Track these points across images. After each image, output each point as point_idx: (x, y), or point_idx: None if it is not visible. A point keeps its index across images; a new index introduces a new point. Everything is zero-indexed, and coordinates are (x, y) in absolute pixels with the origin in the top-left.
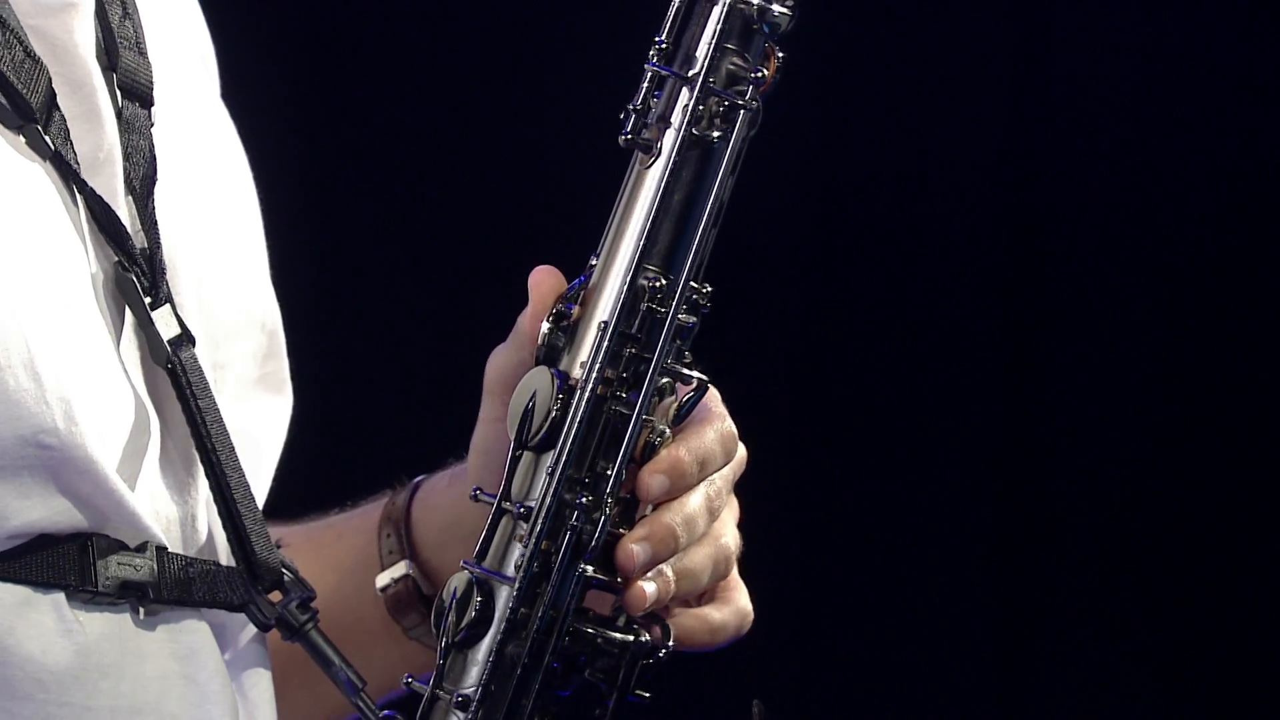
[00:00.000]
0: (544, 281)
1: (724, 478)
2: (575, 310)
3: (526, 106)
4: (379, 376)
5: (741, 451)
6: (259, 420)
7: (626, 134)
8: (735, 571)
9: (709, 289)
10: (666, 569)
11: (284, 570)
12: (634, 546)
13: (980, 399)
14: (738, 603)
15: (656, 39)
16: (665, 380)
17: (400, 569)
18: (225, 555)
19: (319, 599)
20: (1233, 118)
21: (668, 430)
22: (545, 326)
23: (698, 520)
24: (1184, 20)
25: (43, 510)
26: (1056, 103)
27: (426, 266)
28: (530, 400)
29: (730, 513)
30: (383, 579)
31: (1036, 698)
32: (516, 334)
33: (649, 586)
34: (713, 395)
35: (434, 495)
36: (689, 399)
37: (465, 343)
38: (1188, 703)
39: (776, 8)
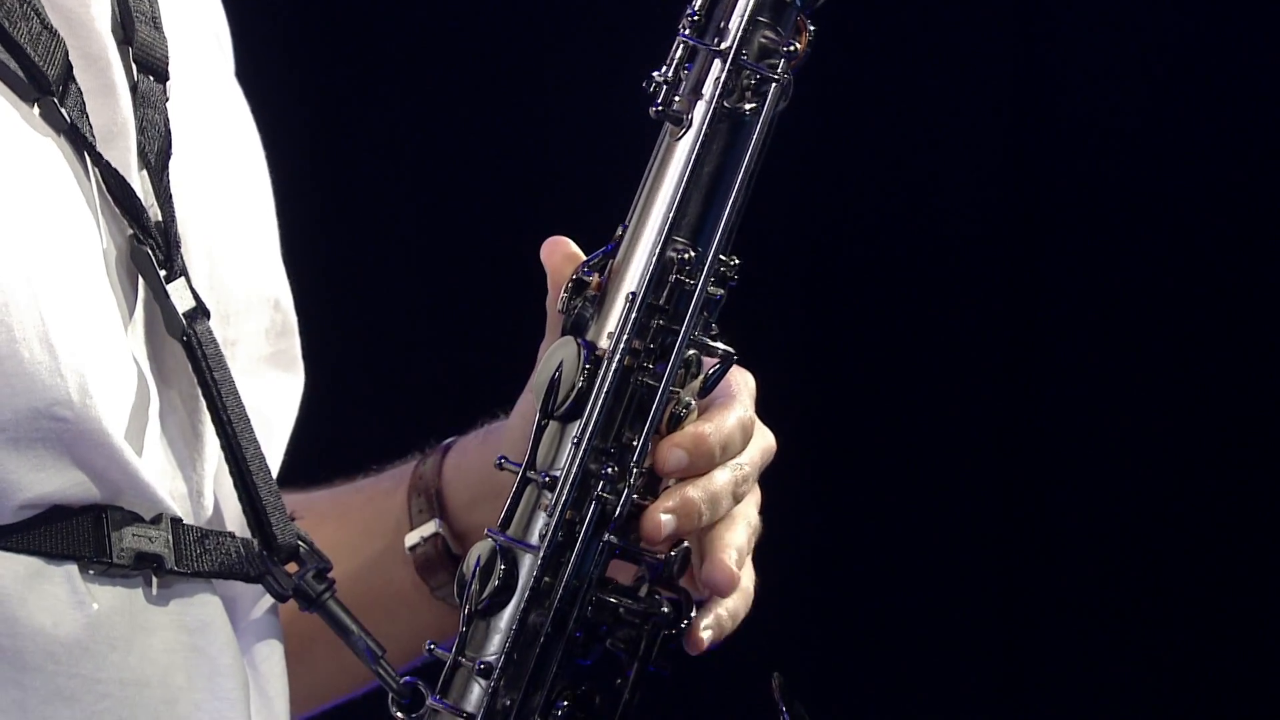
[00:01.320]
0: (555, 252)
1: (752, 463)
2: (594, 279)
3: (553, 80)
4: (393, 355)
5: (770, 440)
6: (270, 397)
7: (658, 105)
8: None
9: (737, 262)
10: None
11: (299, 542)
12: (662, 516)
13: (986, 396)
14: (745, 586)
15: (688, 11)
16: (692, 352)
17: (430, 528)
18: (237, 527)
19: (349, 561)
20: (1233, 118)
21: (693, 402)
22: (564, 295)
23: (721, 499)
24: (1184, 21)
25: (57, 482)
26: (1064, 99)
27: (446, 241)
28: (557, 370)
29: (753, 498)
30: (412, 538)
31: (1039, 694)
32: (552, 320)
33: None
34: (741, 379)
35: (466, 455)
36: (715, 371)
37: (483, 321)
38: (1188, 703)
39: None
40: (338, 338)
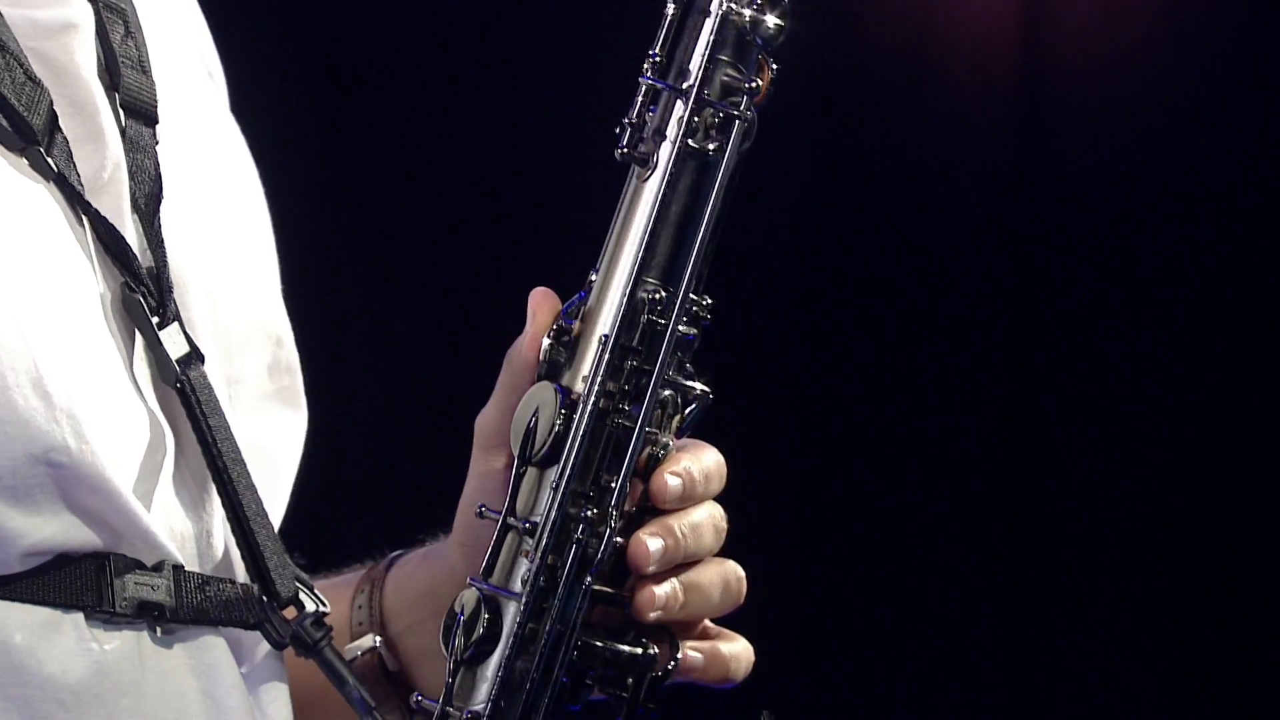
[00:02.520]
0: (542, 304)
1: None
2: (575, 326)
3: (523, 122)
4: (386, 391)
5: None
6: (275, 434)
7: (623, 147)
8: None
9: (709, 301)
10: (674, 581)
11: (299, 586)
12: (647, 539)
13: (982, 406)
14: (744, 641)
15: (650, 52)
16: (668, 393)
17: (367, 641)
18: (242, 572)
19: (301, 661)
20: (1234, 119)
21: (671, 443)
22: (546, 343)
23: (704, 531)
24: (1184, 21)
25: (56, 528)
26: (1058, 108)
27: (428, 284)
28: (533, 416)
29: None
30: (350, 650)
31: (1039, 699)
32: (499, 391)
33: (659, 590)
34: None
35: (406, 573)
36: (692, 411)
37: (466, 355)
38: (1188, 703)
39: (769, 19)
40: (338, 372)
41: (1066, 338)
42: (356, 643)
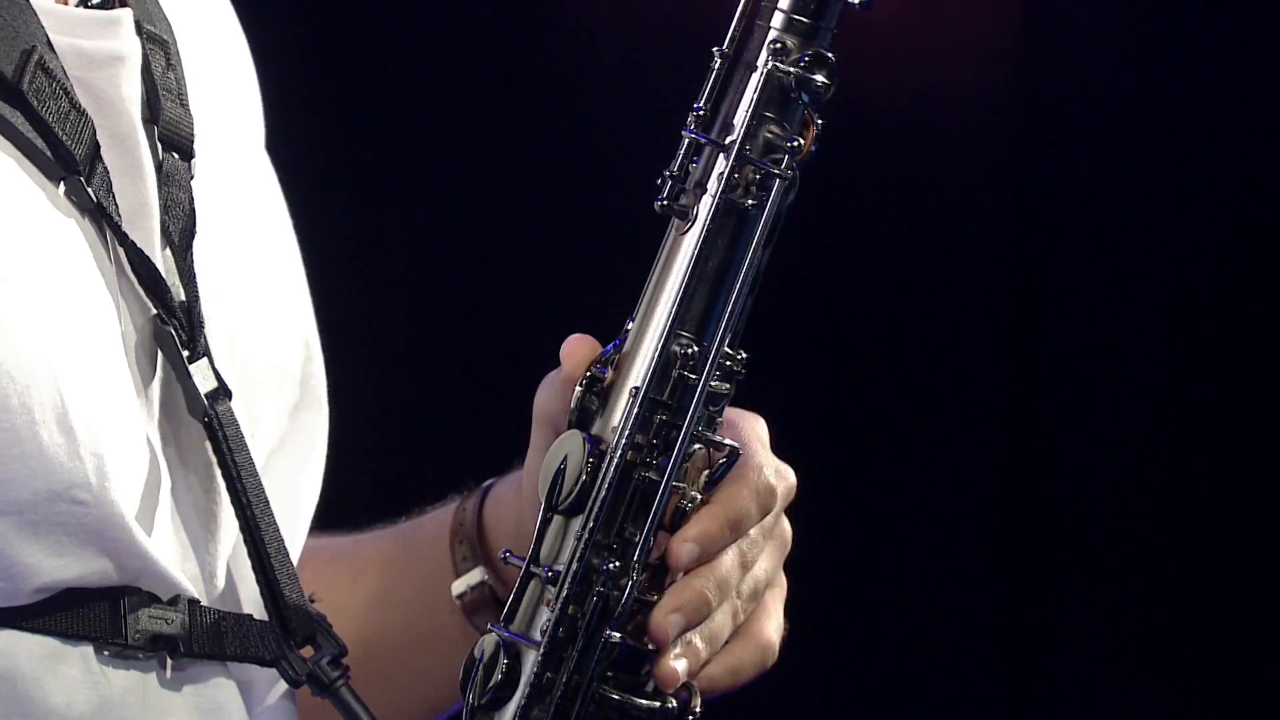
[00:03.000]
0: (576, 351)
1: (761, 526)
2: (609, 374)
3: (571, 169)
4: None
5: (791, 480)
6: (295, 473)
7: (663, 200)
8: (765, 599)
9: (744, 356)
10: (695, 638)
11: (316, 625)
12: (668, 618)
13: (982, 406)
14: (758, 637)
15: (695, 106)
16: (697, 447)
17: (476, 575)
18: (254, 609)
19: (396, 611)
20: (1233, 119)
21: (699, 496)
22: (578, 390)
23: (730, 581)
24: (1184, 21)
25: (72, 563)
26: (1057, 107)
27: (471, 330)
28: (561, 463)
29: (769, 554)
30: (458, 586)
31: (1040, 699)
32: (560, 374)
33: (679, 664)
34: (750, 431)
35: (503, 501)
36: (720, 466)
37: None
38: (1188, 703)
39: (817, 78)
40: (360, 374)
41: (1065, 338)
42: (464, 579)
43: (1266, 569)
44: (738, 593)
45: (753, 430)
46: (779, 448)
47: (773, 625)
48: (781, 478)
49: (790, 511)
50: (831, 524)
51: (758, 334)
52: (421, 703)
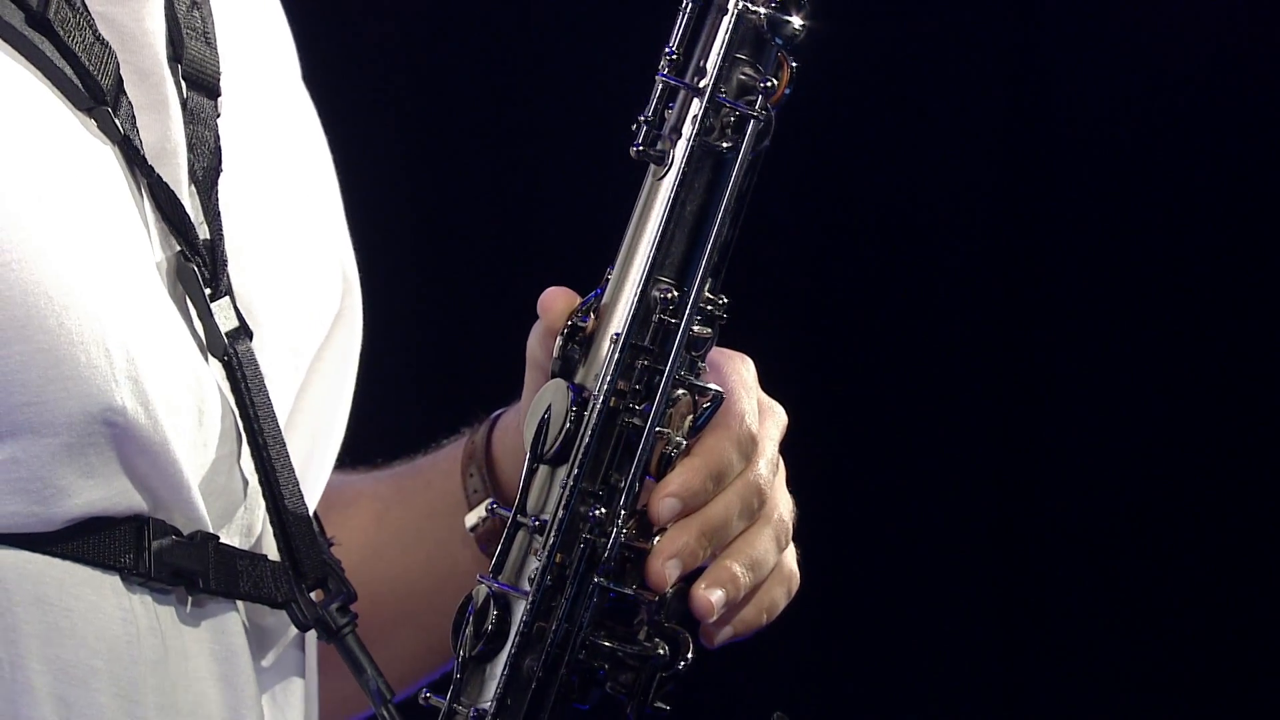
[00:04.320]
0: (554, 303)
1: (768, 462)
2: (590, 322)
3: (546, 119)
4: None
5: (782, 417)
6: (329, 401)
7: (638, 145)
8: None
9: (725, 300)
10: (735, 566)
11: (328, 569)
12: (665, 566)
13: (980, 404)
14: (783, 567)
15: (667, 49)
16: (681, 392)
17: (486, 505)
18: (274, 551)
19: (416, 548)
20: (1232, 119)
21: (684, 442)
22: (559, 340)
23: (728, 524)
24: (1183, 21)
25: (104, 489)
26: (1056, 105)
27: (445, 281)
28: (545, 413)
29: (779, 482)
30: (471, 518)
31: (1037, 699)
32: (541, 326)
33: (715, 595)
34: (735, 373)
35: (511, 430)
36: (705, 410)
37: (484, 356)
38: (1188, 702)
39: (790, 18)
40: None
41: (1063, 339)
42: (476, 510)
43: (1265, 568)
44: (766, 517)
45: (737, 373)
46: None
47: (789, 554)
48: (769, 415)
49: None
50: (829, 524)
51: (755, 332)
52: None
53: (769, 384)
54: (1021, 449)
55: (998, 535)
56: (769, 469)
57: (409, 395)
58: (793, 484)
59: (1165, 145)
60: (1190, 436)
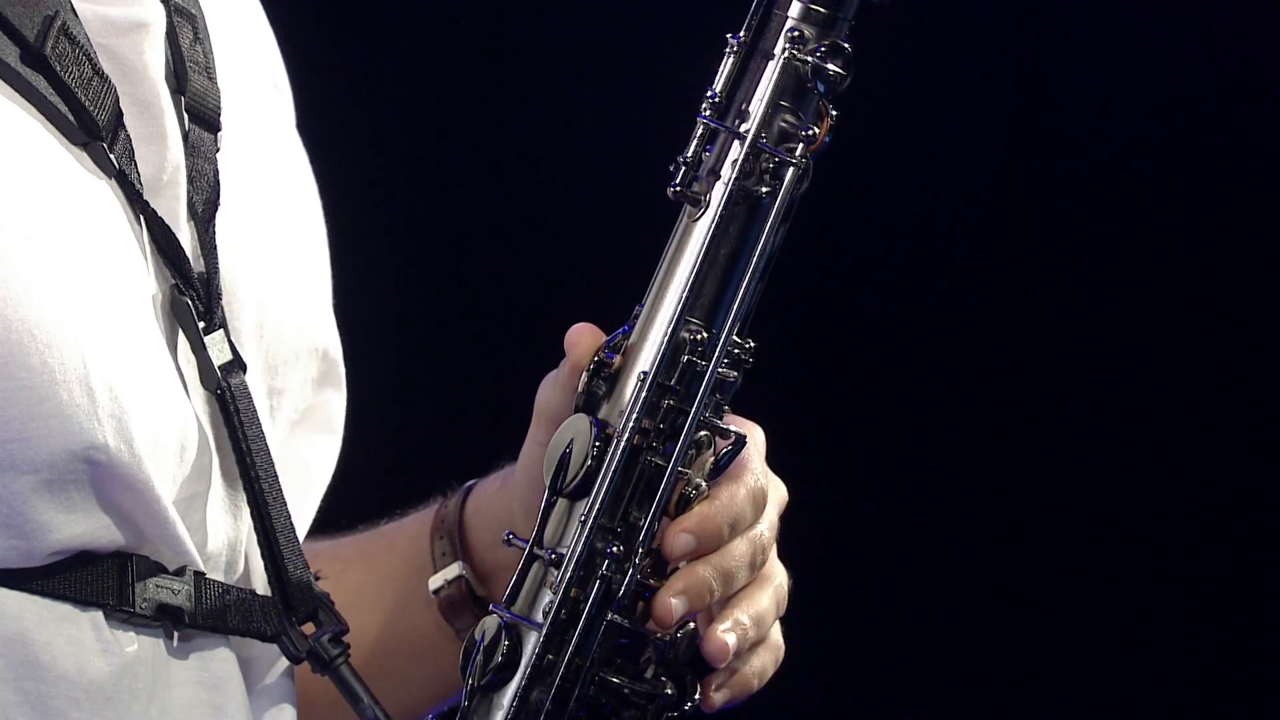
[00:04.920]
0: (581, 339)
1: (770, 526)
2: (616, 360)
3: (583, 156)
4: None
5: (783, 493)
6: (311, 449)
7: (675, 186)
8: None
9: (752, 344)
10: (744, 617)
11: (319, 602)
12: (672, 600)
13: (978, 405)
14: (771, 639)
15: (709, 93)
16: (703, 433)
17: (454, 570)
18: (263, 584)
19: (374, 608)
20: (1231, 119)
21: (704, 484)
22: (585, 376)
23: (735, 573)
24: (1183, 21)
25: (85, 525)
26: (1055, 104)
27: (480, 313)
28: (567, 447)
29: (774, 551)
30: (435, 581)
31: (1036, 698)
32: (565, 365)
33: (730, 638)
34: (753, 447)
35: (486, 498)
36: (726, 453)
37: (514, 384)
38: (1187, 702)
39: (833, 68)
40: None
41: (1062, 339)
42: (441, 573)
43: (1264, 568)
44: (766, 578)
45: (751, 436)
46: (779, 452)
47: (778, 628)
48: (772, 483)
49: (789, 510)
50: (827, 525)
51: (759, 334)
52: (395, 707)
53: (762, 390)
54: (1021, 448)
55: (997, 536)
56: (771, 531)
57: (377, 468)
58: (794, 484)
59: (1164, 144)
60: (1190, 436)
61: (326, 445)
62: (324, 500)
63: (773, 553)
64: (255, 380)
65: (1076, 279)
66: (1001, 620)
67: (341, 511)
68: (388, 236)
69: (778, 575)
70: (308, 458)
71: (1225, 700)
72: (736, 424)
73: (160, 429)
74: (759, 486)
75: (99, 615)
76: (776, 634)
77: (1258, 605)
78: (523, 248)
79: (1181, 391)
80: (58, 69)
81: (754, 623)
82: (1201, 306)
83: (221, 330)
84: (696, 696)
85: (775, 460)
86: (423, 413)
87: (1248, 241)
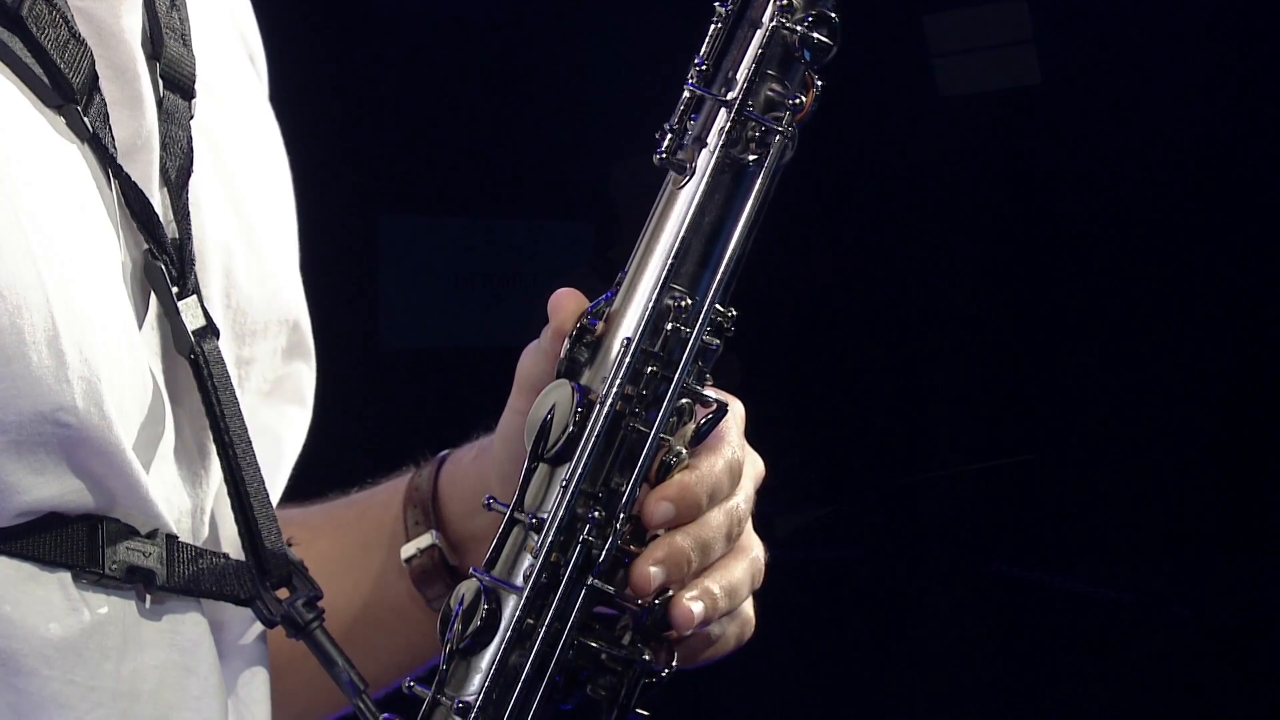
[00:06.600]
0: (565, 304)
1: (747, 499)
2: (599, 325)
3: (568, 122)
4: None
5: (760, 467)
6: (281, 419)
7: (661, 153)
8: None
9: (734, 313)
10: (715, 587)
11: (293, 567)
12: (651, 569)
13: (978, 403)
14: (742, 611)
15: (696, 60)
16: (685, 401)
17: (426, 539)
18: (234, 549)
19: (344, 575)
20: (1231, 120)
21: (684, 451)
22: (567, 341)
23: (713, 544)
24: (1182, 22)
25: (55, 488)
26: (1054, 105)
27: (467, 273)
28: (549, 413)
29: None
30: (408, 549)
31: (1039, 698)
32: (547, 333)
33: (696, 606)
34: (732, 420)
35: (460, 467)
36: (707, 421)
37: (481, 341)
38: (1187, 702)
39: (818, 36)
40: (335, 356)
41: (1060, 340)
42: (414, 542)
43: (1264, 567)
44: (743, 550)
45: (731, 407)
46: (775, 440)
47: (750, 601)
48: (750, 457)
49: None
50: (829, 524)
51: (756, 334)
52: (364, 675)
53: (760, 382)
54: (1021, 449)
55: (996, 538)
56: (747, 504)
57: (345, 441)
58: (793, 483)
59: (1163, 147)
60: (1187, 436)
61: (296, 416)
62: (292, 475)
63: (748, 525)
64: (224, 350)
65: (1076, 278)
66: (999, 619)
67: (310, 488)
68: (356, 208)
69: (754, 548)
70: (278, 428)
71: (1224, 699)
72: (717, 395)
73: (128, 393)
74: (736, 459)
75: (67, 576)
76: (748, 607)
77: (1259, 604)
78: (497, 217)
79: (1182, 392)
80: (34, 30)
81: (725, 593)
82: (1202, 306)
83: (195, 296)
84: (674, 663)
85: (752, 438)
86: (391, 391)
87: (1248, 241)
